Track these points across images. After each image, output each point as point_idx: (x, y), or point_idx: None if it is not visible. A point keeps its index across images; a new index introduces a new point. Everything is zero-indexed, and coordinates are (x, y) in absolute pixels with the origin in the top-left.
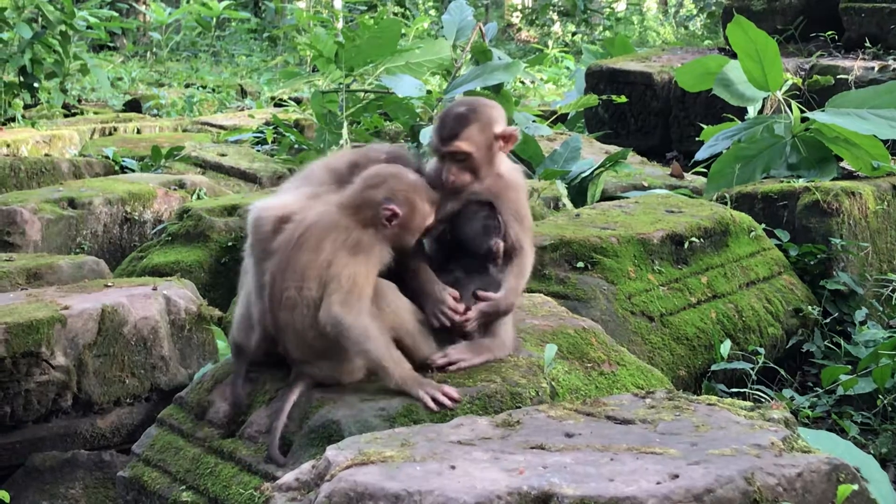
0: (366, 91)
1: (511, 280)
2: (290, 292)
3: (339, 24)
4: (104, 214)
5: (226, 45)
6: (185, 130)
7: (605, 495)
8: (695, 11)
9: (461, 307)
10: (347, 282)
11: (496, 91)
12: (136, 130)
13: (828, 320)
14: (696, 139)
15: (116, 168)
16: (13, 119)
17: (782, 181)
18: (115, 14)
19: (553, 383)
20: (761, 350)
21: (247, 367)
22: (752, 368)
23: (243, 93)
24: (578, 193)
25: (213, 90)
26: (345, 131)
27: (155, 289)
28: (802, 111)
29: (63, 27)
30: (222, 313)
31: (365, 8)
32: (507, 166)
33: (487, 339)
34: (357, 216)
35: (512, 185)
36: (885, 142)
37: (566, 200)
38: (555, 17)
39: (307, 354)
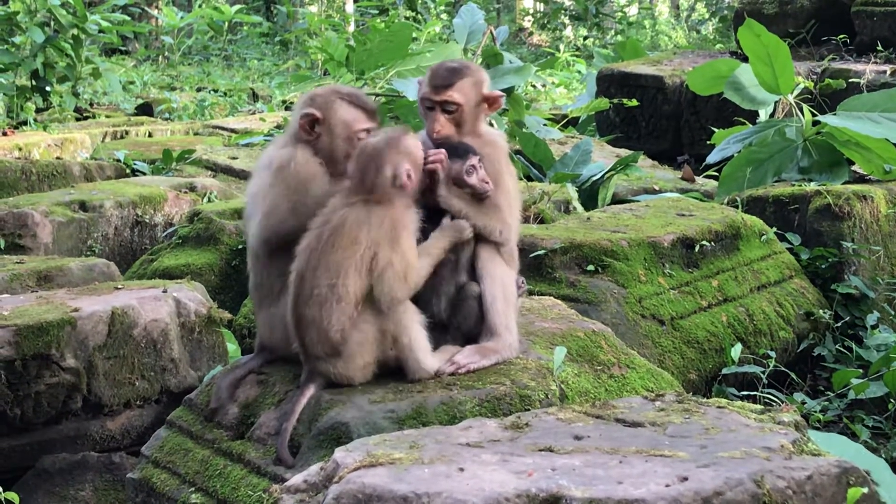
0: (377, 94)
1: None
2: (320, 289)
3: (351, 28)
4: (115, 217)
5: (237, 48)
6: (196, 134)
7: (614, 498)
8: (706, 15)
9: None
10: (401, 264)
11: (507, 94)
12: (147, 134)
13: (839, 324)
14: (708, 143)
15: (128, 171)
16: (25, 122)
17: (794, 185)
18: (127, 18)
19: (562, 386)
20: (772, 354)
21: (257, 368)
22: (763, 372)
23: (255, 96)
24: (589, 197)
25: (225, 94)
26: None
27: (165, 291)
28: (814, 115)
29: (75, 31)
30: (232, 316)
31: (376, 12)
32: (487, 129)
33: (492, 341)
34: (373, 197)
35: (490, 143)
36: None
37: (577, 204)
38: (566, 21)
39: (326, 350)
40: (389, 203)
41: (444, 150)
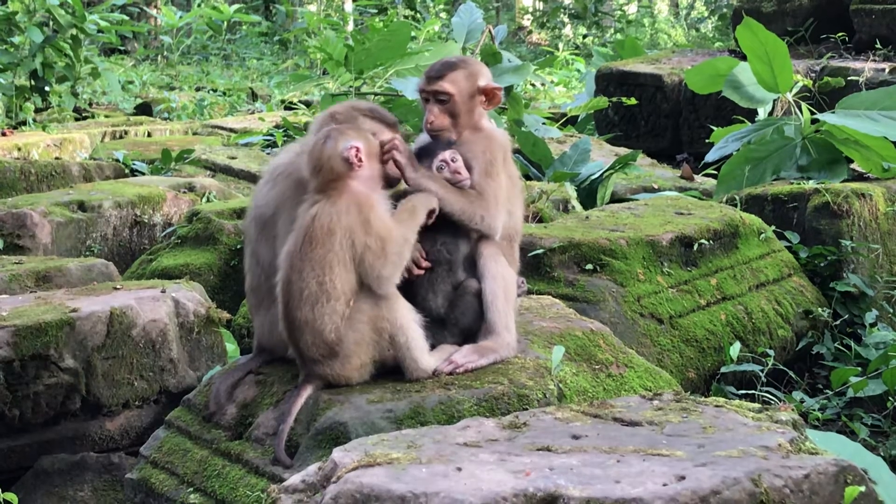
0: (375, 94)
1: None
2: (310, 288)
3: (349, 27)
4: (114, 217)
5: (236, 48)
6: (195, 133)
7: (612, 497)
8: (706, 13)
9: None
10: (377, 242)
11: (506, 93)
12: (146, 134)
13: (838, 322)
14: (707, 141)
15: (126, 171)
16: (24, 123)
17: (792, 183)
18: (126, 18)
19: (560, 385)
20: (771, 352)
21: (255, 368)
22: (762, 370)
23: (254, 96)
24: (588, 195)
25: (224, 93)
26: None
27: (164, 291)
28: (813, 113)
29: (74, 31)
30: (231, 316)
31: (375, 11)
32: (488, 124)
33: (490, 340)
34: (333, 179)
35: (486, 136)
36: (895, 143)
37: (575, 202)
38: (566, 19)
39: (321, 352)
40: (349, 190)
41: (398, 136)
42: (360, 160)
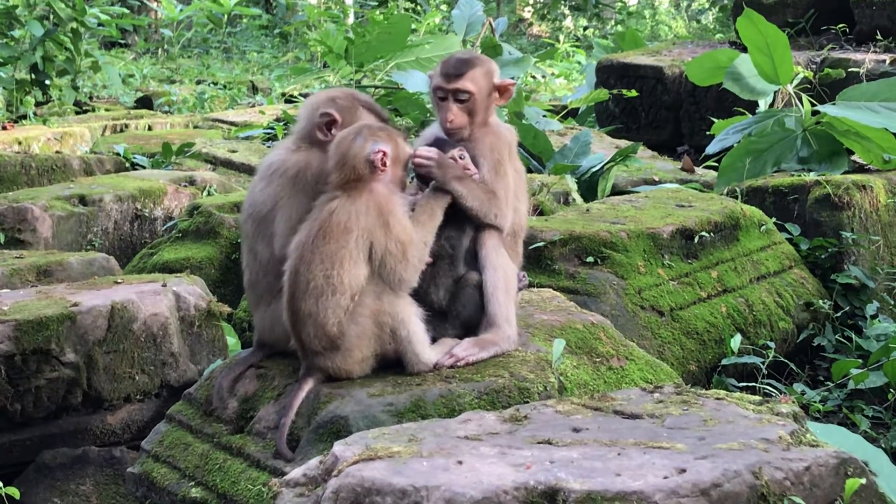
0: (376, 87)
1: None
2: (317, 280)
3: (350, 20)
4: (115, 211)
5: (237, 41)
6: (196, 127)
7: (612, 490)
8: (707, 5)
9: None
10: (398, 247)
11: None
12: (147, 127)
13: (839, 314)
14: (707, 133)
15: (127, 165)
16: (25, 116)
17: (793, 175)
18: (127, 11)
19: (561, 378)
20: (772, 344)
21: (256, 363)
22: (763, 363)
23: (254, 89)
24: (588, 188)
25: (225, 87)
26: None
27: (165, 285)
28: (813, 104)
29: (74, 24)
30: (232, 309)
31: (375, 3)
32: (494, 119)
33: (491, 333)
34: (355, 179)
35: (493, 132)
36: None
37: (576, 195)
38: (566, 11)
39: (323, 345)
40: (370, 190)
41: (434, 149)
42: (384, 165)
